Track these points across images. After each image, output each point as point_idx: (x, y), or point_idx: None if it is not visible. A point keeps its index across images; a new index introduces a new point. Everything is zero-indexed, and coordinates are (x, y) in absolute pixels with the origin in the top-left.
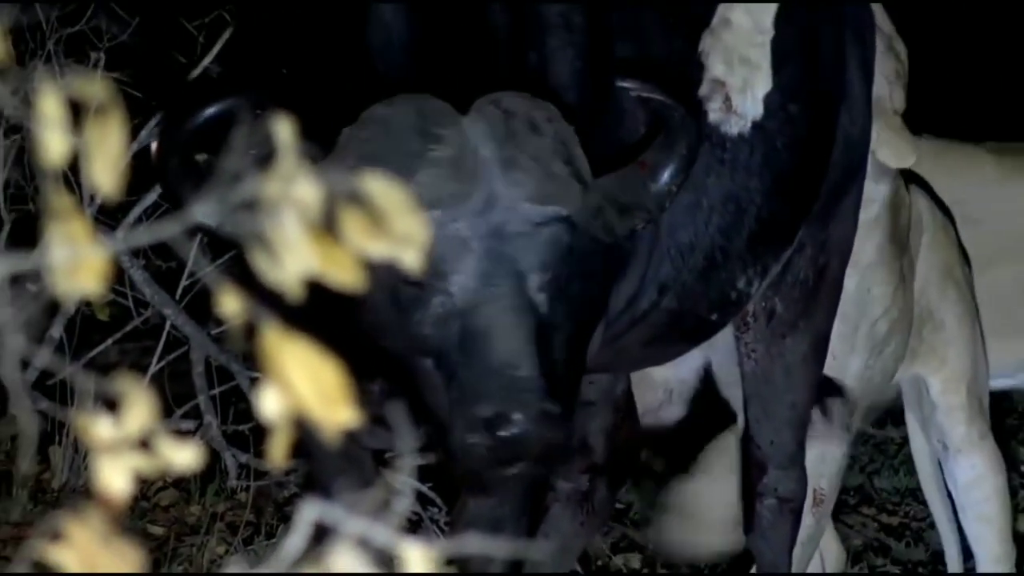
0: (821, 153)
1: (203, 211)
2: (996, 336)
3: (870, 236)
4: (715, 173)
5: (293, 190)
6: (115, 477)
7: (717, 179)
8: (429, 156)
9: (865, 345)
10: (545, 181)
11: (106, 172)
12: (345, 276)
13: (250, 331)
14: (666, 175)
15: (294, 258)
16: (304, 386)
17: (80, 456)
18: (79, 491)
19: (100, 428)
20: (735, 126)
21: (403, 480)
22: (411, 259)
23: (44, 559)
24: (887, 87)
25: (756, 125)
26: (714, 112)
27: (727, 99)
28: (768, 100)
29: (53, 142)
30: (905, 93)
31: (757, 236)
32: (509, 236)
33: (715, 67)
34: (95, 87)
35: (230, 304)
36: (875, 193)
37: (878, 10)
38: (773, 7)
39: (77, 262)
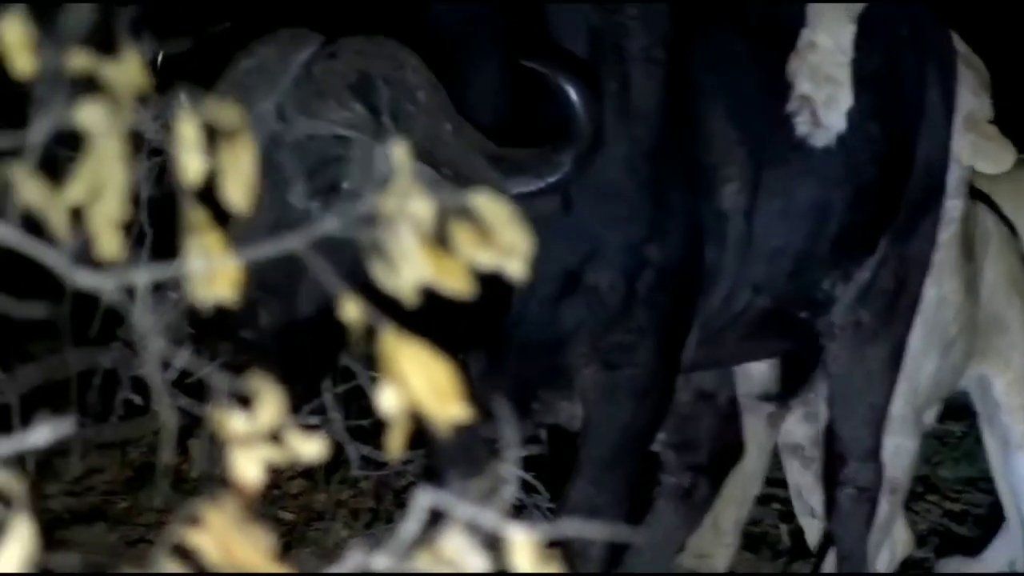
0: (901, 170)
1: (328, 225)
2: None
3: (948, 249)
4: (802, 182)
5: (408, 205)
6: (248, 467)
7: (804, 188)
8: (244, 66)
9: (939, 346)
10: (328, 104)
11: (239, 191)
12: (456, 284)
13: (370, 334)
14: (564, 149)
15: (410, 268)
16: (419, 384)
17: (217, 448)
18: (216, 480)
19: (235, 423)
20: (821, 139)
21: (509, 469)
22: (516, 268)
23: (184, 542)
24: (975, 100)
25: (840, 140)
26: (802, 125)
27: (813, 113)
28: (851, 118)
29: (191, 163)
30: (988, 102)
31: (839, 243)
32: (283, 145)
33: (802, 85)
34: (228, 112)
35: (351, 311)
36: (953, 211)
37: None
38: (852, 29)
39: (212, 272)
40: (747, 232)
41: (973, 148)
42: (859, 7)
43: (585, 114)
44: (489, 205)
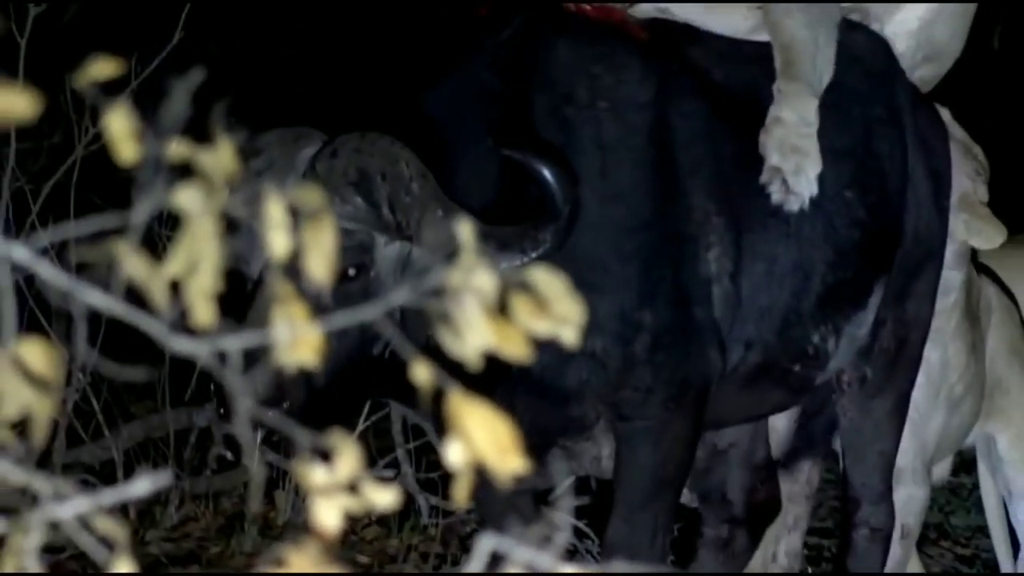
0: (884, 235)
1: (399, 296)
2: None
3: (951, 315)
4: (783, 245)
5: (473, 279)
6: (328, 515)
7: (786, 250)
8: (255, 165)
9: (945, 404)
10: (332, 200)
11: (321, 266)
12: (516, 351)
13: (438, 395)
14: (544, 226)
15: (474, 335)
16: (482, 440)
17: (300, 498)
18: (299, 527)
19: (316, 475)
20: (795, 203)
21: (562, 516)
22: (569, 336)
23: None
24: (971, 184)
25: (815, 204)
26: (776, 194)
27: (784, 182)
28: (825, 185)
29: (278, 241)
30: (986, 187)
31: (825, 299)
32: None
33: (772, 157)
34: (310, 196)
35: (422, 374)
36: (954, 280)
37: (948, 119)
38: (815, 103)
39: (296, 339)
40: (735, 293)
41: (967, 226)
42: (825, 83)
43: (561, 195)
44: (545, 278)
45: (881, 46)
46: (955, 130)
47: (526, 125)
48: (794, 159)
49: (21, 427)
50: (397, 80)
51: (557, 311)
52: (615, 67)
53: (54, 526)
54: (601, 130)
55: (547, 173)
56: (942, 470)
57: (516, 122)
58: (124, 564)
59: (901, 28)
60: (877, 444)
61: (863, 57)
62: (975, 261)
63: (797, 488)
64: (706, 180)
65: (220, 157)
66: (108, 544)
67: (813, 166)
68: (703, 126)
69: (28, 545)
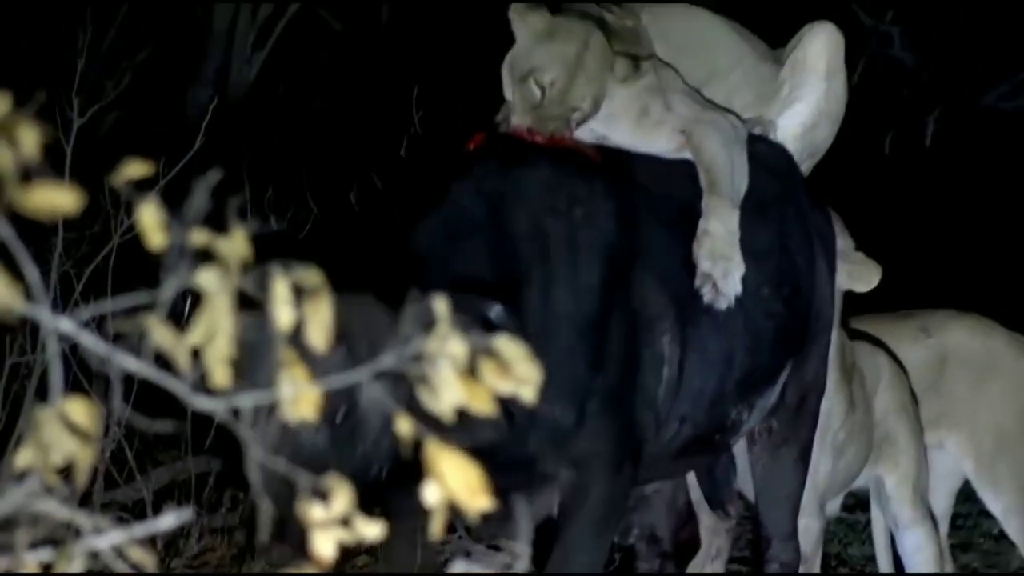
0: (794, 322)
1: (387, 361)
2: None
3: (830, 373)
4: (713, 337)
5: (447, 347)
6: (325, 545)
7: (715, 341)
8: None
9: (830, 450)
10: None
11: (320, 334)
12: (483, 407)
13: (416, 444)
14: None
15: (448, 393)
16: (455, 482)
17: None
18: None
19: (316, 512)
20: (723, 303)
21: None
22: (528, 394)
23: None
24: (843, 240)
25: (739, 301)
26: (707, 295)
27: (714, 286)
28: (747, 284)
29: (284, 314)
30: (851, 239)
31: (743, 382)
32: None
33: (703, 264)
34: (311, 277)
35: (404, 426)
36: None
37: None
38: (737, 214)
39: (298, 396)
40: (678, 376)
41: (848, 275)
42: (742, 193)
43: (505, 324)
44: (507, 345)
45: (782, 152)
46: (835, 220)
47: (506, 240)
48: (722, 265)
49: (66, 472)
50: (396, 211)
51: (517, 373)
52: (585, 182)
53: (94, 555)
54: (576, 234)
55: (492, 314)
56: (834, 506)
57: (497, 239)
58: None
59: (788, 133)
60: (785, 488)
61: (770, 165)
62: (863, 334)
63: (718, 523)
64: (658, 279)
65: (234, 244)
66: (139, 570)
67: (738, 270)
68: (653, 234)
69: (72, 571)
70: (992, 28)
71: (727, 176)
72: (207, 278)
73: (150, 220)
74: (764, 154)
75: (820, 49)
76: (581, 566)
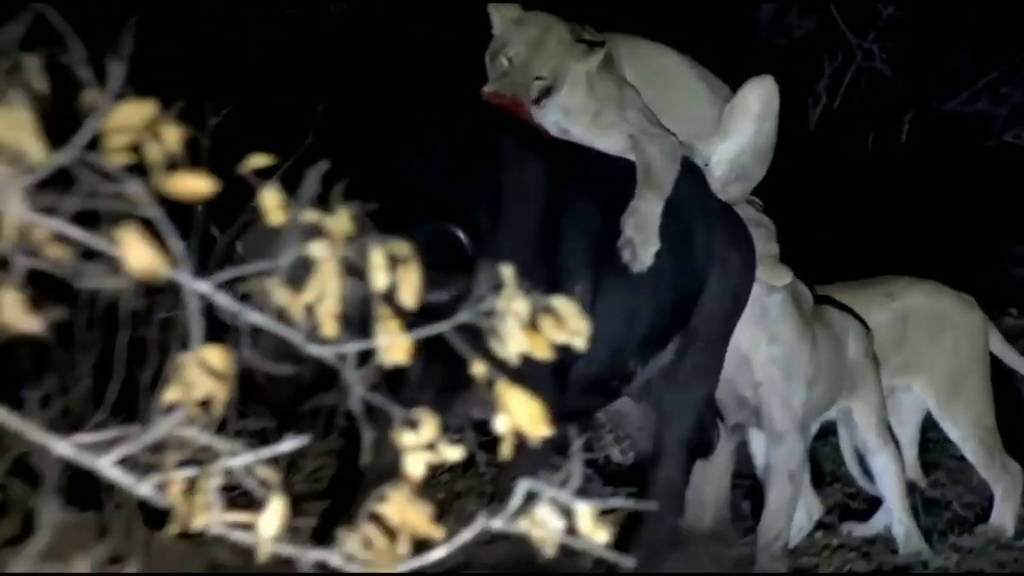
0: (686, 300)
1: (465, 316)
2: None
3: (785, 322)
4: (621, 296)
5: (513, 305)
6: (416, 465)
7: (622, 300)
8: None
9: (802, 383)
10: None
11: (410, 295)
12: (543, 354)
13: (489, 383)
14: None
15: (514, 343)
16: (519, 414)
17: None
18: (398, 473)
19: (407, 438)
20: (636, 267)
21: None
22: (579, 343)
23: (377, 511)
24: (763, 244)
25: (648, 272)
26: (626, 257)
27: (633, 250)
28: (657, 259)
29: (380, 278)
30: (775, 244)
31: (642, 339)
32: None
33: (628, 231)
34: (401, 248)
35: (479, 369)
36: (771, 303)
37: (749, 209)
38: (661, 204)
39: (392, 344)
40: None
41: (764, 271)
42: (668, 191)
43: (470, 251)
44: (563, 304)
45: (701, 175)
46: (750, 213)
47: (466, 189)
48: (642, 235)
49: (205, 405)
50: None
51: (571, 327)
52: (530, 152)
53: (228, 473)
54: (519, 188)
55: (465, 241)
56: (812, 429)
57: (460, 187)
58: (277, 499)
59: (720, 158)
60: (682, 424)
61: (690, 183)
62: (833, 301)
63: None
64: (581, 239)
65: (339, 221)
66: (265, 485)
67: (654, 244)
68: (584, 203)
69: (211, 486)
70: (952, 47)
71: (661, 174)
72: (318, 248)
73: (271, 201)
74: (688, 170)
75: (755, 97)
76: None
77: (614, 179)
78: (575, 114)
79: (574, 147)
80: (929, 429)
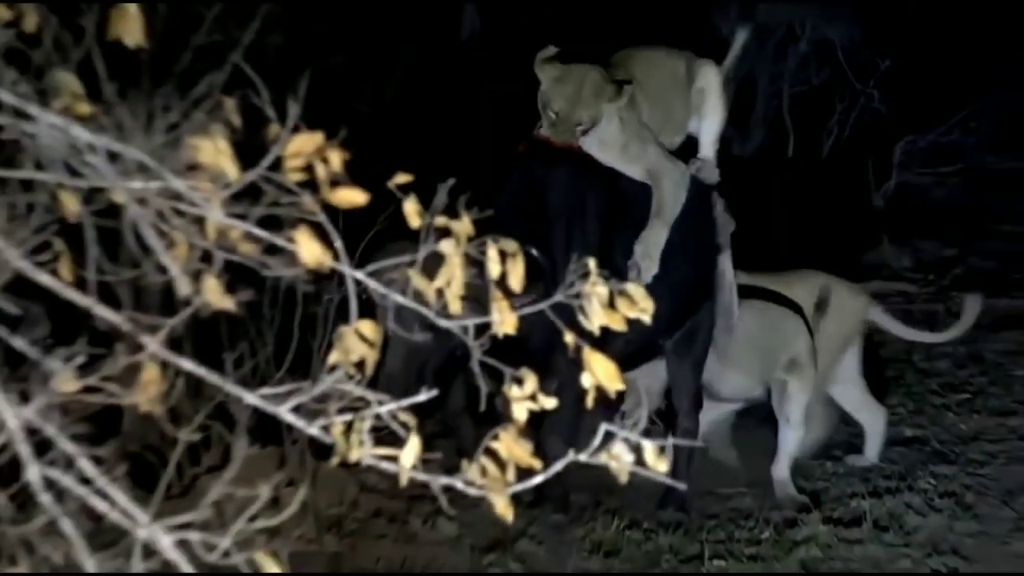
0: (698, 288)
1: (559, 296)
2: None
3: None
4: (657, 288)
5: (596, 289)
6: (520, 412)
7: (656, 290)
8: None
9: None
10: None
11: (517, 281)
12: (619, 326)
13: (577, 349)
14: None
15: (597, 318)
16: (600, 374)
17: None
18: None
19: (514, 392)
20: (641, 283)
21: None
22: (646, 317)
23: (489, 447)
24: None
25: (656, 278)
26: (632, 276)
27: (639, 271)
28: (672, 262)
29: (495, 268)
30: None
31: (664, 323)
32: None
33: (637, 254)
34: (511, 245)
35: (570, 338)
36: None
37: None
38: (666, 233)
39: (503, 319)
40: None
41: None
42: (675, 216)
43: (543, 265)
44: (634, 289)
45: (706, 188)
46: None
47: (542, 213)
48: (647, 262)
49: (360, 366)
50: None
51: (640, 305)
52: (589, 177)
53: (377, 417)
54: (585, 207)
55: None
56: (759, 393)
57: (537, 212)
58: (414, 438)
59: (708, 139)
60: (686, 384)
61: (700, 196)
62: (767, 291)
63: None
64: (620, 246)
65: (463, 224)
66: (405, 427)
67: (653, 269)
68: (615, 211)
69: (364, 427)
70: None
71: (670, 208)
72: (447, 246)
73: (411, 208)
74: (699, 193)
75: (714, 78)
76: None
77: (634, 195)
78: (608, 145)
79: (612, 171)
80: (914, 384)
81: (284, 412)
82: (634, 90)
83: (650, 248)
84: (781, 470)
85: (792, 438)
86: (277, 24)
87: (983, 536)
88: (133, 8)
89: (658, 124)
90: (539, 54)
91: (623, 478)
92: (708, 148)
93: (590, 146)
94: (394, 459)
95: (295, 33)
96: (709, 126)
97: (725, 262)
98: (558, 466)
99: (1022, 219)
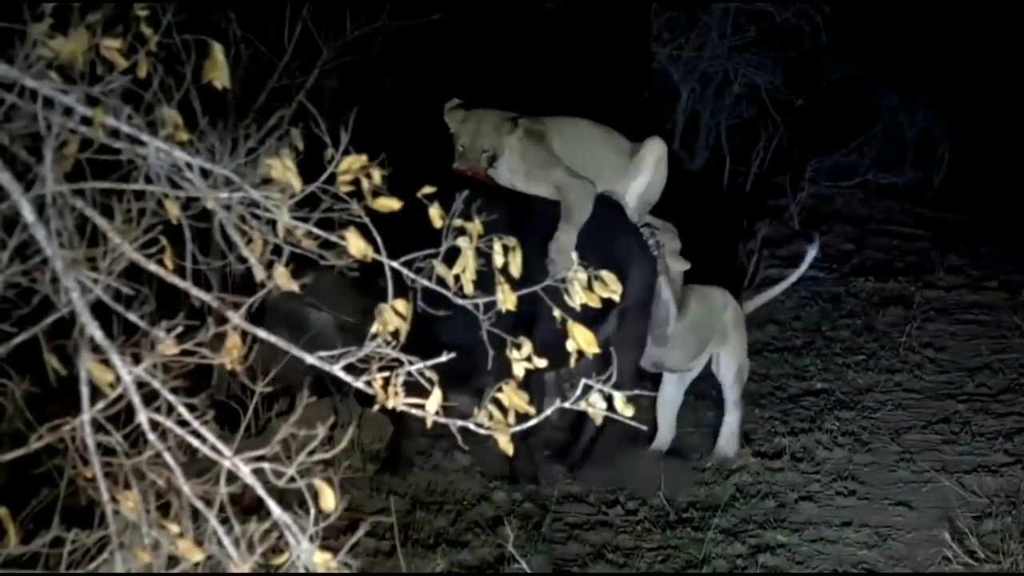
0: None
1: (549, 280)
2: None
3: (671, 295)
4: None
5: (577, 275)
6: (519, 370)
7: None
8: None
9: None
10: None
11: (516, 269)
12: (596, 304)
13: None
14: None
15: (578, 298)
16: (581, 339)
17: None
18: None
19: (512, 353)
20: (558, 275)
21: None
22: (616, 297)
23: (494, 397)
24: (671, 242)
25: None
26: (550, 274)
27: (554, 269)
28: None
29: (498, 259)
30: (678, 242)
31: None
32: None
33: (552, 253)
34: (512, 241)
35: (557, 313)
36: (679, 276)
37: (664, 222)
38: (576, 235)
39: (506, 298)
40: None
41: (670, 259)
42: (582, 224)
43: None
44: (607, 275)
45: (616, 202)
46: (664, 224)
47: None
48: (561, 257)
49: (396, 335)
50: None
51: (611, 288)
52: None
53: (408, 374)
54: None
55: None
56: (702, 363)
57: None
58: (437, 389)
59: (633, 195)
60: (625, 362)
61: (611, 208)
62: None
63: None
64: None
65: (475, 226)
66: (430, 381)
67: (569, 265)
68: (530, 230)
69: (398, 381)
70: (835, 123)
71: (577, 213)
72: (463, 242)
73: (435, 213)
74: (607, 205)
75: (652, 151)
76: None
77: (546, 214)
78: (515, 173)
79: (521, 195)
80: (823, 348)
81: (337, 369)
82: (545, 131)
83: (562, 247)
84: (726, 448)
85: (732, 420)
86: (333, 71)
87: (875, 466)
88: (221, 58)
89: (580, 169)
90: (446, 105)
91: (597, 421)
92: (630, 199)
93: (500, 175)
94: (421, 406)
95: (348, 77)
96: (635, 187)
97: (663, 286)
98: (548, 411)
99: (903, 222)
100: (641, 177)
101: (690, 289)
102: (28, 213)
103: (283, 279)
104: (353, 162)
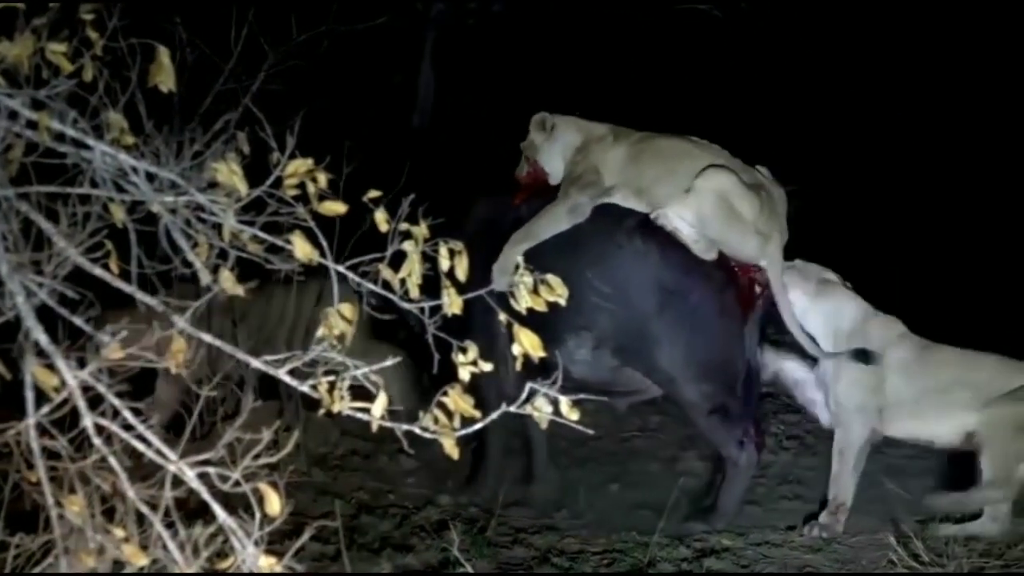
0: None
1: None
2: None
3: None
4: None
5: (524, 280)
6: (464, 374)
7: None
8: None
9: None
10: None
11: (462, 272)
12: (542, 308)
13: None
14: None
15: (524, 302)
16: (526, 342)
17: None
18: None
19: (459, 357)
20: (496, 288)
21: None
22: (562, 301)
23: (440, 401)
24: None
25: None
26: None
27: (496, 280)
28: (599, 301)
29: (444, 263)
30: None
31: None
32: None
33: (495, 265)
34: (458, 245)
35: (503, 316)
36: None
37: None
38: (521, 251)
39: (453, 302)
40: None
41: None
42: (539, 238)
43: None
44: (553, 279)
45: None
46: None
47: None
48: (501, 272)
49: (341, 338)
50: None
51: (558, 291)
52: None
53: (354, 378)
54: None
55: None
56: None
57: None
58: (383, 393)
59: (683, 219)
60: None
61: (614, 219)
62: None
63: None
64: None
65: (420, 230)
66: (376, 385)
67: (508, 278)
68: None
69: (344, 385)
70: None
71: (539, 228)
72: (408, 246)
73: (381, 218)
74: (603, 213)
75: (706, 181)
76: None
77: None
78: (554, 177)
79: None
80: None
81: (282, 374)
82: (597, 145)
83: (504, 261)
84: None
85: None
86: (278, 75)
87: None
88: (167, 61)
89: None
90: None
91: (543, 424)
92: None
93: (553, 178)
94: (367, 410)
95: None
96: (684, 214)
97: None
98: (493, 415)
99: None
100: (689, 205)
101: None
102: None
103: (228, 283)
104: (299, 166)
